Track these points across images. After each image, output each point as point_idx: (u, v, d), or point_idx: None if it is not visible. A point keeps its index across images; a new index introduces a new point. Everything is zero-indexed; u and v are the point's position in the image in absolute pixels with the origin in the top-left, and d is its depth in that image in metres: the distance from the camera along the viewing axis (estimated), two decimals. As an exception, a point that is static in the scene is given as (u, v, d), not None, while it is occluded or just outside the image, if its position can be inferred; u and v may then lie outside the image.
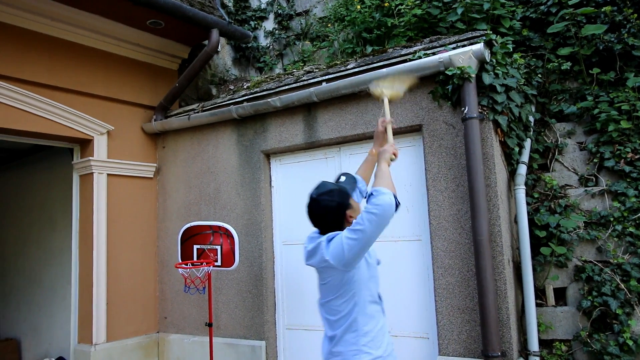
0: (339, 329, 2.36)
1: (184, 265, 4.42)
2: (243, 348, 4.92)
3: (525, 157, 4.33)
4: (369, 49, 5.25)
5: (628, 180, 4.22)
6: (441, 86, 4.03)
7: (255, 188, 5.07)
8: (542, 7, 5.08)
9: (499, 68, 3.96)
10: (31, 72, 4.84)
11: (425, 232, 4.16)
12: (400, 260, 4.26)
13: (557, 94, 4.85)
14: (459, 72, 3.81)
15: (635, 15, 4.70)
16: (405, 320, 4.19)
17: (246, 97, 5.13)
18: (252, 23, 7.06)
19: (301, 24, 6.95)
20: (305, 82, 4.72)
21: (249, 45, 6.86)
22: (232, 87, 6.06)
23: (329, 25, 6.28)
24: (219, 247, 4.54)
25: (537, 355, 3.88)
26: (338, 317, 2.37)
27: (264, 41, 7.11)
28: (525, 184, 4.27)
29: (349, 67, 4.54)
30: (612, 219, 4.14)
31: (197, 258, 4.62)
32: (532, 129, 4.49)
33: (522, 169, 4.24)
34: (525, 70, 4.52)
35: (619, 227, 4.10)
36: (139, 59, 5.77)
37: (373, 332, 2.34)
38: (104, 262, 5.27)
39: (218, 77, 6.47)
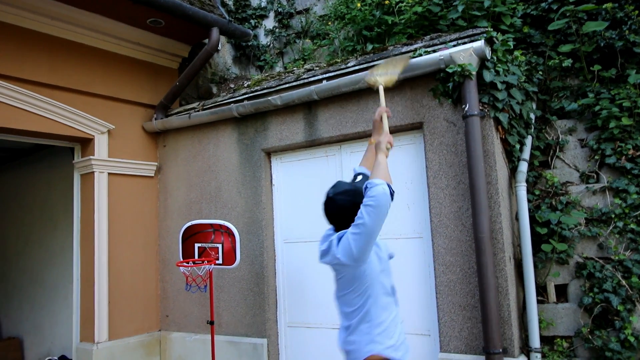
0: (354, 319, 2.47)
1: (185, 264, 4.43)
2: (245, 346, 4.93)
3: (526, 154, 4.33)
4: (370, 47, 5.24)
5: (629, 177, 4.22)
6: (442, 84, 4.03)
7: (256, 186, 5.08)
8: (542, 4, 5.07)
9: (499, 65, 3.95)
10: (31, 72, 4.84)
11: (426, 229, 4.17)
12: (402, 257, 4.26)
13: (558, 91, 4.84)
14: (459, 69, 3.81)
15: (637, 12, 4.69)
16: (406, 318, 4.18)
17: (247, 96, 5.13)
18: (252, 21, 7.06)
19: (301, 22, 6.94)
20: (306, 80, 4.72)
21: (249, 43, 6.86)
22: (232, 86, 6.06)
23: (330, 23, 6.27)
24: (220, 246, 4.55)
25: (538, 352, 3.88)
26: (353, 309, 2.48)
27: (264, 39, 7.10)
28: (526, 181, 4.26)
29: (349, 65, 4.54)
30: (613, 216, 4.14)
31: (199, 256, 4.63)
32: (533, 126, 4.49)
33: (523, 166, 4.24)
34: (526, 68, 4.51)
35: (620, 224, 4.10)
36: (139, 57, 5.77)
37: (386, 323, 2.45)
38: (105, 260, 5.28)
39: (218, 75, 6.47)
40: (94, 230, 5.24)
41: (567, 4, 4.79)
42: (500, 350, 3.59)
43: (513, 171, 4.31)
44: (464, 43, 3.92)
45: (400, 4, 5.20)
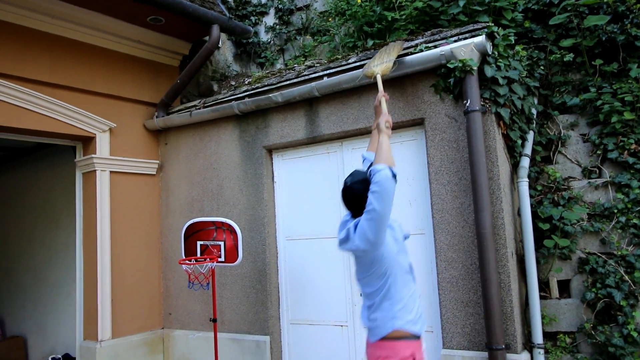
0: (376, 298, 2.66)
1: (187, 262, 4.43)
2: (247, 343, 4.94)
3: (528, 149, 4.32)
4: (370, 43, 5.23)
5: (632, 171, 4.21)
6: (443, 79, 4.02)
7: (257, 184, 5.08)
8: (544, -1, 5.04)
9: (501, 60, 3.94)
10: (32, 70, 4.85)
11: (428, 225, 4.16)
12: (404, 254, 4.26)
13: (559, 85, 4.82)
14: (460, 64, 3.79)
15: (638, 5, 4.66)
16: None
17: (247, 93, 5.12)
18: (252, 18, 7.04)
19: (302, 18, 6.92)
20: (307, 77, 4.71)
21: (250, 40, 6.85)
22: (233, 83, 6.05)
23: (330, 19, 6.26)
24: (222, 243, 4.55)
25: (541, 348, 3.88)
26: (374, 289, 2.67)
27: (264, 36, 7.09)
28: (528, 177, 4.25)
29: (350, 61, 4.53)
30: (615, 211, 4.13)
31: (201, 254, 4.63)
32: (534, 121, 4.48)
33: (525, 162, 4.23)
34: (527, 63, 4.49)
35: (623, 219, 4.09)
36: (139, 55, 5.76)
37: (405, 299, 2.64)
38: (108, 259, 5.29)
39: (219, 73, 6.46)
40: (97, 229, 5.25)
41: (569, -2, 4.76)
42: (503, 346, 3.58)
43: (515, 167, 4.30)
44: (465, 38, 3.90)
45: (400, 0, 5.18)
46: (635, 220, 4.05)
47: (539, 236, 4.20)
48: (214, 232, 4.62)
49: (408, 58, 4.06)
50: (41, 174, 7.13)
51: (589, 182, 4.31)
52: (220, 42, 5.53)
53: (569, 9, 4.67)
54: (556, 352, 4.00)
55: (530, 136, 4.40)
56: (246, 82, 5.67)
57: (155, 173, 5.86)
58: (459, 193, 3.94)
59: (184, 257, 4.72)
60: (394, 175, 2.54)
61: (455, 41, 3.94)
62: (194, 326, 5.42)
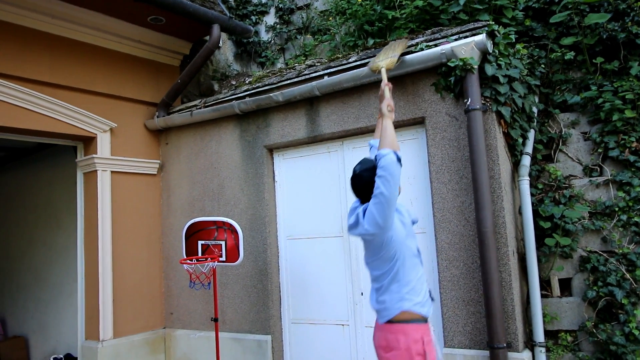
0: (384, 281, 2.72)
1: (189, 261, 4.43)
2: (249, 342, 4.94)
3: (529, 148, 4.31)
4: (371, 42, 5.23)
5: (633, 169, 4.20)
6: (443, 78, 4.01)
7: (258, 183, 5.08)
8: (544, -3, 5.04)
9: (501, 59, 3.93)
10: (33, 71, 4.85)
11: (429, 224, 4.16)
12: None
13: (560, 84, 4.82)
14: (461, 63, 3.79)
15: (639, 3, 4.66)
16: (410, 313, 4.19)
17: (248, 92, 5.12)
18: (253, 18, 7.05)
19: (302, 17, 6.92)
20: (307, 76, 4.71)
21: (251, 40, 6.85)
22: (234, 83, 6.05)
23: (330, 18, 6.26)
24: (223, 243, 4.55)
25: (542, 346, 3.88)
26: (383, 271, 2.73)
27: (265, 36, 7.09)
28: (529, 175, 4.25)
29: (350, 60, 4.53)
30: (617, 209, 4.13)
31: (202, 254, 4.64)
32: (535, 120, 4.47)
33: (526, 160, 4.23)
34: (528, 61, 4.49)
35: (624, 217, 4.09)
36: (140, 55, 5.77)
37: (413, 282, 2.70)
38: (109, 259, 5.29)
39: (220, 72, 6.47)
40: (98, 229, 5.25)
41: (569, -4, 4.76)
42: (505, 344, 3.58)
43: (516, 165, 4.29)
44: (466, 37, 3.90)
45: (401, -1, 5.18)
46: (636, 219, 4.04)
47: (540, 235, 4.20)
48: (215, 232, 4.62)
49: (408, 57, 4.06)
50: (42, 174, 7.14)
51: (590, 181, 4.31)
52: (220, 42, 5.54)
53: (569, 7, 4.67)
54: (557, 351, 4.00)
55: (531, 134, 4.39)
56: (247, 82, 5.67)
57: (156, 173, 5.87)
58: (459, 192, 3.94)
59: (185, 257, 4.72)
60: (399, 159, 2.61)
61: (455, 40, 3.94)
62: (195, 326, 5.42)
